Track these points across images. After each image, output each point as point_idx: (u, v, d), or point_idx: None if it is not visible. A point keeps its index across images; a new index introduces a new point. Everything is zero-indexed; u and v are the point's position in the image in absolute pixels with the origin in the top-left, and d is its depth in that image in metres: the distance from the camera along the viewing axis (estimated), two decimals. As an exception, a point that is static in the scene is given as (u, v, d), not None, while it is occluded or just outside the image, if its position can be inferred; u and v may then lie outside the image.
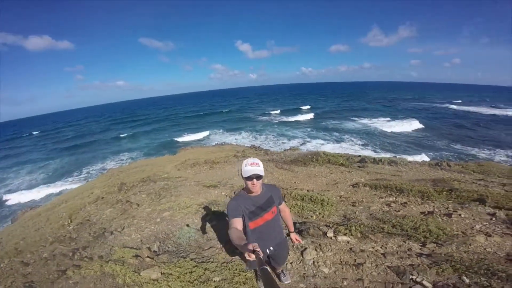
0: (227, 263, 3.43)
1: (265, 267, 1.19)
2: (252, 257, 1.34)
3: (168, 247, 4.10)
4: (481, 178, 8.09)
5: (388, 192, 5.70)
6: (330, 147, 26.09)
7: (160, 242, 4.27)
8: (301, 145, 27.51)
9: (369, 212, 4.86)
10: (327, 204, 4.99)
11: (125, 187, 8.35)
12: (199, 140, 32.68)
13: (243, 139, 31.45)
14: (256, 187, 2.07)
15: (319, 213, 4.81)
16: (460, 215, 4.41)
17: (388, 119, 40.52)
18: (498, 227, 3.94)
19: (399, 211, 4.69)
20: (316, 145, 27.44)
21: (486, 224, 4.03)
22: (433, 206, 4.93)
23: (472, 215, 4.41)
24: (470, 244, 3.37)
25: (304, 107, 57.72)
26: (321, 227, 4.17)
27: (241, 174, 2.04)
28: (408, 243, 3.49)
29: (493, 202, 4.99)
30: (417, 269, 2.97)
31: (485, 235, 3.61)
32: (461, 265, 2.94)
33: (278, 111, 53.73)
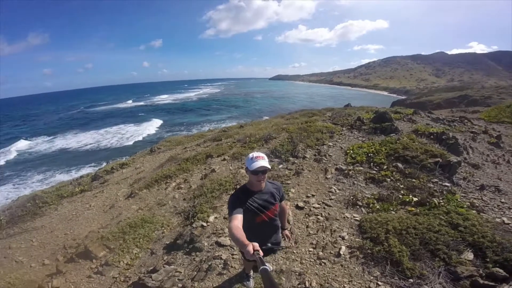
0: None
1: (265, 267, 1.17)
2: (253, 257, 1.32)
3: None
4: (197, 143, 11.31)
5: (164, 181, 6.30)
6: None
7: None
8: None
9: (182, 198, 5.21)
10: (150, 221, 4.43)
11: None
12: None
13: None
14: (262, 183, 1.99)
15: (162, 229, 4.28)
16: (216, 168, 6.47)
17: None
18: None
19: (190, 187, 5.66)
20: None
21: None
22: (199, 171, 6.53)
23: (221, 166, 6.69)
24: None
25: None
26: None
27: (246, 168, 1.96)
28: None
29: (213, 153, 7.77)
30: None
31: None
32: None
33: None
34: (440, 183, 4.62)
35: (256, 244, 1.36)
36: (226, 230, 3.74)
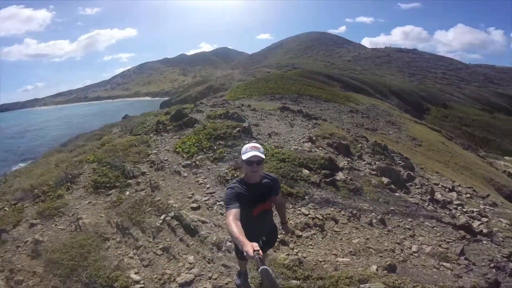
0: None
1: (265, 267, 1.15)
2: (253, 258, 1.28)
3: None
4: None
5: None
6: None
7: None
8: None
9: None
10: None
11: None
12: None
13: None
14: (256, 174, 1.96)
15: None
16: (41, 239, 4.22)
17: None
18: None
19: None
20: None
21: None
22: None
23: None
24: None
25: None
26: None
27: (241, 159, 1.94)
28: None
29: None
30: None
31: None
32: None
33: None
34: (250, 141, 6.66)
35: (256, 244, 1.34)
36: (168, 271, 3.14)
